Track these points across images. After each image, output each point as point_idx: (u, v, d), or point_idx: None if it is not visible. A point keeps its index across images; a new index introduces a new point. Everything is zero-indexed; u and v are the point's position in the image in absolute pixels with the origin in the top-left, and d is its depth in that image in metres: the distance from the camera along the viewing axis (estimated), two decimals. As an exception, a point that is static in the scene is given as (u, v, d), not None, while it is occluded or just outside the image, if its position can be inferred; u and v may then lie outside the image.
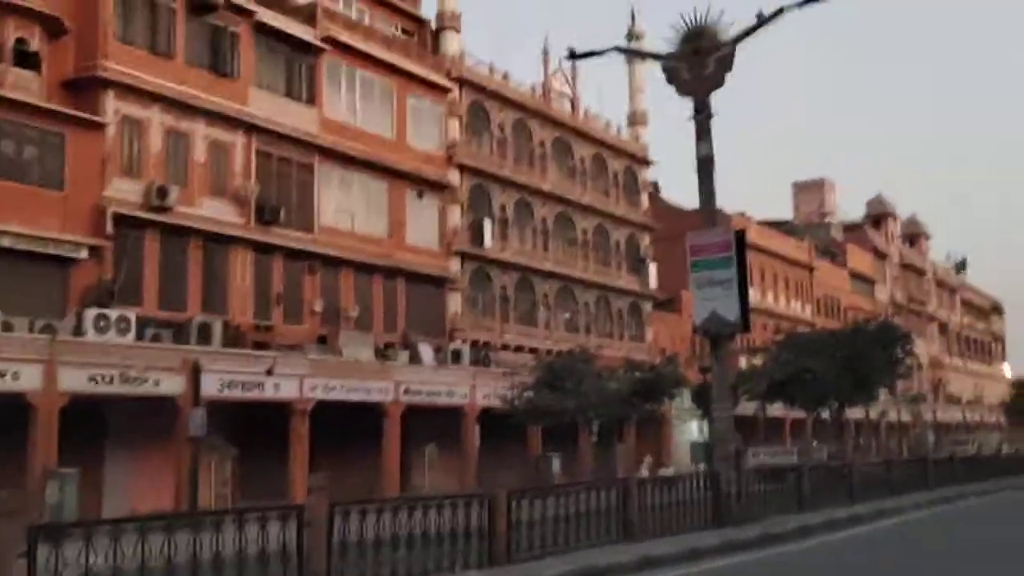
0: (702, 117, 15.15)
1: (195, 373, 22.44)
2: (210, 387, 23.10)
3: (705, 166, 15.00)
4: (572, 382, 27.53)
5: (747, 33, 14.83)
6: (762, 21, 14.61)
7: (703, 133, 15.14)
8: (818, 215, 72.45)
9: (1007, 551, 13.38)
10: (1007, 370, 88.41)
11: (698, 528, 13.99)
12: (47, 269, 23.35)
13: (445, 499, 10.66)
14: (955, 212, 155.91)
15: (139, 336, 22.93)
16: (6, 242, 22.49)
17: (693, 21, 15.05)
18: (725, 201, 61.49)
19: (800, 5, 14.48)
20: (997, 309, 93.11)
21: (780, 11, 14.60)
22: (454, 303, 35.92)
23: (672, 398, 30.57)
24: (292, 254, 29.87)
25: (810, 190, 74.60)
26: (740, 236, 15.18)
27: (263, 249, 28.97)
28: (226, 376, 23.61)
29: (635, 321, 46.14)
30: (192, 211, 26.95)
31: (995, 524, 18.09)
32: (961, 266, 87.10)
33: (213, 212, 27.54)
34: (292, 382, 25.34)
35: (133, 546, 7.86)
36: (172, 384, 22.40)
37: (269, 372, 24.40)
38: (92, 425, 22.65)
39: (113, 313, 22.21)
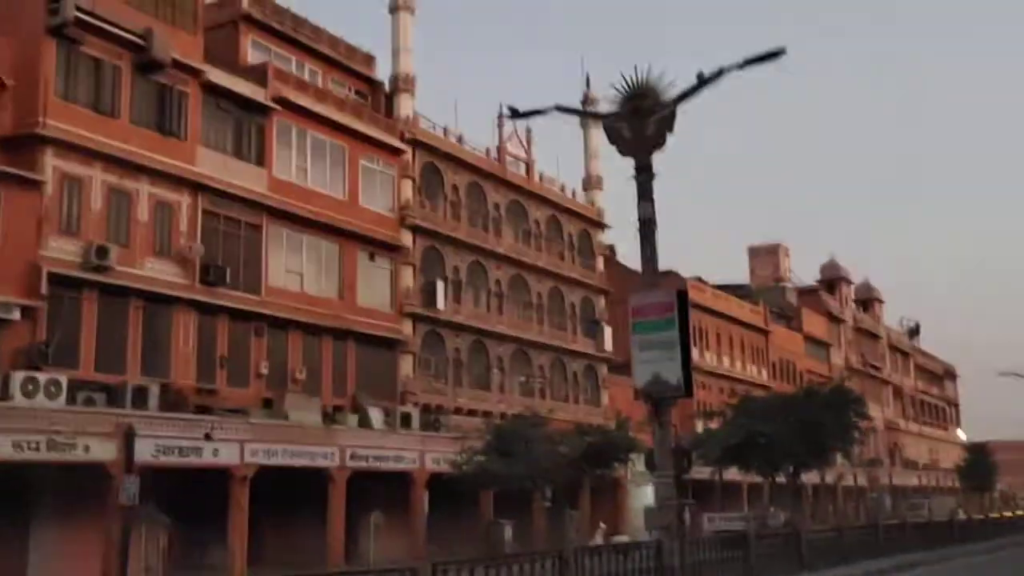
0: (643, 178, 14.94)
1: (128, 438, 21.66)
2: (145, 453, 22.30)
3: (647, 227, 14.76)
4: (521, 447, 26.99)
5: (688, 93, 14.69)
6: (703, 82, 14.50)
7: (645, 194, 14.92)
8: (773, 279, 72.88)
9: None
10: (961, 434, 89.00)
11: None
12: (-24, 331, 22.57)
13: (370, 573, 10.13)
14: (907, 278, 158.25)
15: (71, 400, 22.14)
16: (-68, 302, 21.74)
17: (635, 81, 14.92)
18: (680, 266, 61.98)
19: (740, 67, 14.43)
20: (950, 374, 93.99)
21: (720, 72, 14.49)
22: (406, 366, 35.38)
23: (623, 462, 30.10)
24: (238, 315, 29.26)
25: (765, 255, 75.10)
26: (683, 297, 14.88)
27: (207, 310, 28.35)
28: (162, 441, 22.82)
29: (591, 384, 45.76)
30: (133, 271, 26.32)
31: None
32: (914, 331, 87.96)
33: (156, 272, 26.93)
34: (232, 447, 24.57)
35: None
36: (103, 450, 21.57)
37: (208, 437, 23.64)
38: (17, 495, 21.72)
39: (42, 376, 21.45)
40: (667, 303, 14.61)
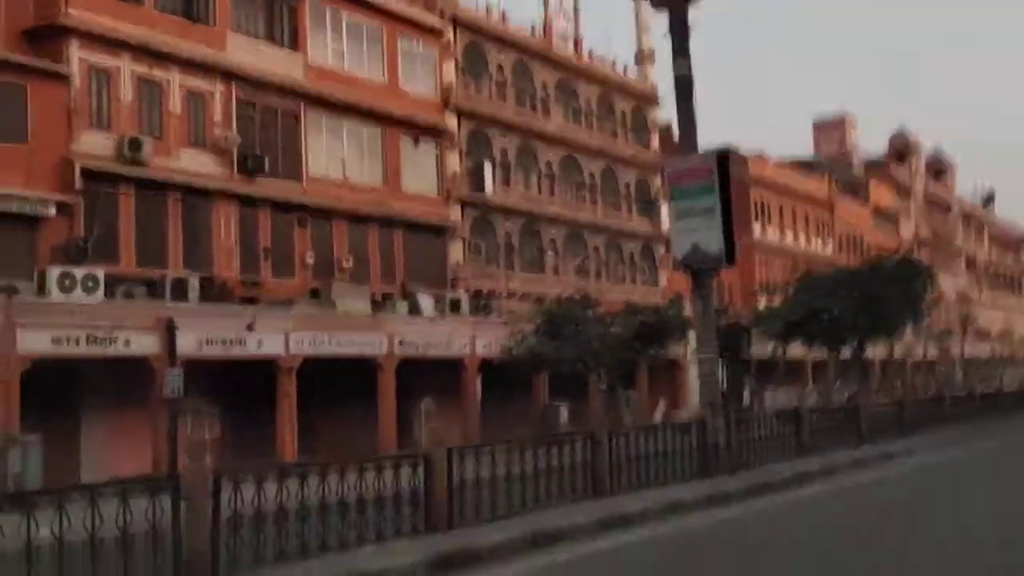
0: (678, 33, 13.79)
1: (169, 331, 21.45)
2: (187, 345, 22.13)
3: (683, 86, 13.66)
4: (572, 329, 26.33)
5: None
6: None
7: (680, 50, 13.78)
8: (839, 152, 70.35)
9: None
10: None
11: (682, 480, 12.85)
12: (13, 228, 22.34)
13: (384, 459, 9.61)
14: (981, 145, 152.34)
15: (110, 295, 21.93)
16: (-34, 201, 21.49)
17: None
18: (742, 142, 59.91)
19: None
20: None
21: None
22: (456, 252, 34.77)
23: (678, 341, 29.37)
24: (279, 206, 28.75)
25: (831, 127, 72.32)
26: (723, 161, 13.84)
27: (248, 202, 27.87)
28: (204, 334, 22.59)
29: (648, 265, 44.82)
30: (169, 164, 25.86)
31: (1011, 474, 16.88)
32: (988, 199, 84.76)
33: (192, 164, 26.44)
34: (276, 338, 24.31)
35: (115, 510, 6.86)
36: (145, 343, 21.43)
37: (250, 328, 23.36)
38: (66, 389, 21.79)
39: (79, 271, 21.20)
40: (706, 168, 13.62)
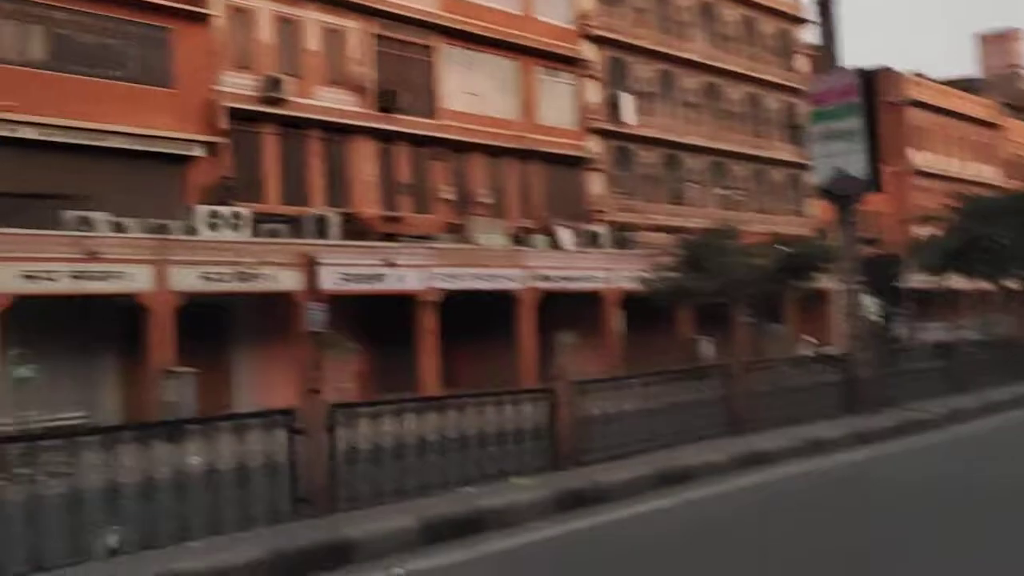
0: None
1: (311, 267, 21.87)
2: (329, 281, 22.54)
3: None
4: (713, 261, 25.58)
5: None
6: None
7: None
8: (1007, 69, 65.83)
9: None
10: None
11: (824, 417, 12.27)
12: (162, 169, 23.12)
13: (510, 394, 9.44)
14: None
15: (255, 232, 22.50)
16: (117, 143, 22.29)
17: None
18: (901, 62, 56.69)
19: None
20: None
21: None
22: (595, 184, 34.27)
23: (824, 272, 28.17)
24: (417, 141, 28.86)
25: (996, 43, 67.71)
26: (868, 79, 12.91)
27: (386, 137, 28.08)
28: (345, 269, 22.95)
29: (795, 194, 43.17)
30: (308, 102, 26.21)
31: None
32: None
33: (331, 102, 26.74)
34: (415, 273, 24.51)
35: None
36: (289, 279, 21.94)
37: (389, 263, 23.60)
38: (217, 325, 22.58)
39: (225, 210, 21.80)
40: (848, 85, 12.74)
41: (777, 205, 42.09)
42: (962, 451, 11.23)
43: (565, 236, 31.27)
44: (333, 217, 24.16)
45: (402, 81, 28.56)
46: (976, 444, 11.71)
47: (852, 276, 13.21)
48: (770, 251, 26.04)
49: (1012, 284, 38.80)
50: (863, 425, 11.84)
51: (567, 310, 29.28)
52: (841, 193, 12.82)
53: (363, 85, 27.48)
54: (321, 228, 23.68)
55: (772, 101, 42.35)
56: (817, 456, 10.53)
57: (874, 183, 12.68)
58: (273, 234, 22.92)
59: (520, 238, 30.13)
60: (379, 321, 25.58)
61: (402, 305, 24.98)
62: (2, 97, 20.30)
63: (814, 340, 34.20)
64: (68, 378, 20.03)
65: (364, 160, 27.63)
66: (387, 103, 27.90)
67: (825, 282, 32.67)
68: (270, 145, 25.47)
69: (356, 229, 26.17)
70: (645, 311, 29.52)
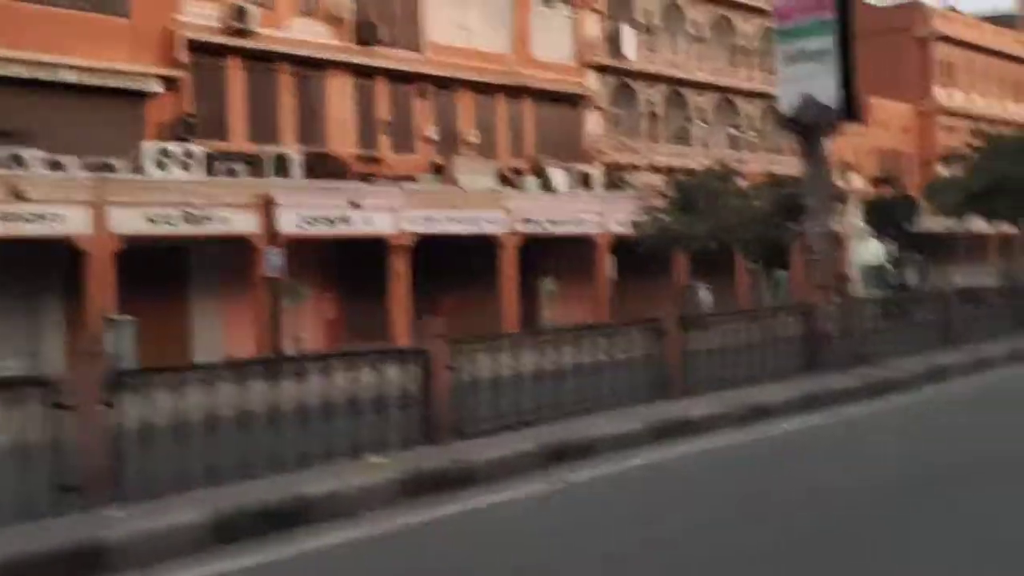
0: None
1: (268, 208, 20.55)
2: (290, 224, 21.21)
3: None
4: (706, 202, 23.93)
5: None
6: None
7: None
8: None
9: None
10: None
11: (779, 378, 10.82)
12: (117, 105, 21.76)
13: (366, 355, 8.12)
14: None
15: (210, 171, 21.16)
16: (69, 76, 20.93)
17: None
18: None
19: None
20: None
21: None
22: (593, 123, 32.57)
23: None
24: (399, 77, 27.28)
25: (1036, -26, 64.41)
26: (843, -11, 11.25)
27: (364, 72, 26.52)
28: (307, 211, 21.59)
29: (811, 134, 41.13)
30: (279, 34, 24.69)
31: None
32: None
33: (304, 34, 25.20)
34: (386, 215, 23.10)
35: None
36: (244, 222, 20.61)
37: (355, 205, 22.20)
38: (175, 271, 21.40)
39: (176, 147, 20.45)
40: (818, -1, 11.04)
41: (790, 144, 40.02)
42: (924, 420, 9.75)
43: (558, 177, 29.73)
44: (295, 156, 22.74)
45: (384, 12, 26.93)
46: (943, 410, 10.22)
47: (819, 219, 11.68)
48: (767, 192, 24.31)
49: (1037, 229, 36.81)
50: (819, 387, 10.39)
51: (555, 256, 27.88)
52: (810, 122, 11.23)
53: (340, 16, 25.88)
54: (282, 167, 22.27)
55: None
56: (758, 423, 9.15)
57: (847, 111, 11.05)
58: (231, 174, 21.57)
59: (509, 180, 28.65)
60: (350, 267, 24.31)
61: (374, 250, 23.65)
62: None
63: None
64: (8, 326, 18.98)
65: (340, 97, 26.14)
66: (366, 35, 26.32)
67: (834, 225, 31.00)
68: (236, 81, 24.02)
69: (330, 169, 24.77)
70: (641, 257, 28.00)
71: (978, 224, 37.64)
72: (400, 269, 23.47)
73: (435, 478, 6.84)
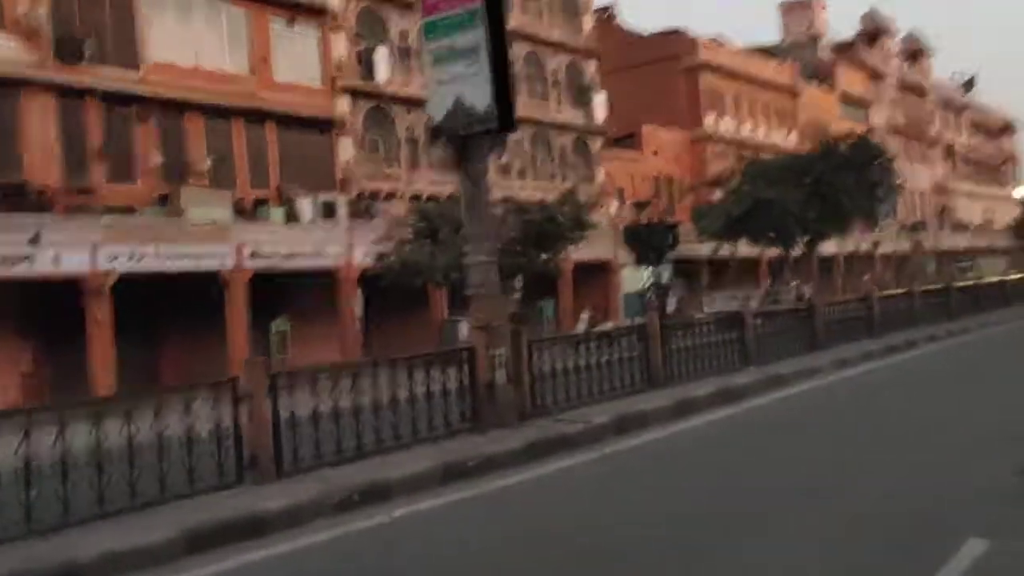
0: None
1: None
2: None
3: None
4: (449, 231, 22.27)
5: None
6: None
7: None
8: (807, 37, 65.34)
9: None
10: (1021, 191, 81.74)
11: (432, 440, 8.97)
12: None
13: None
14: (963, 26, 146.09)
15: None
16: None
17: None
18: (702, 26, 54.92)
19: None
20: (1009, 128, 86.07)
21: None
22: (346, 150, 30.58)
23: (573, 243, 25.42)
24: (114, 98, 24.50)
25: (798, 10, 67.17)
26: (494, -16, 9.70)
27: (70, 93, 23.62)
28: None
29: (582, 161, 40.57)
30: (-43, 49, 21.59)
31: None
32: (969, 85, 79.87)
33: (-9, 49, 22.16)
34: (80, 252, 20.27)
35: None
36: None
37: (34, 241, 19.32)
38: None
39: None
40: (463, -12, 9.40)
41: (561, 172, 39.30)
42: (585, 492, 7.94)
43: (306, 207, 27.61)
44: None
45: (90, 26, 24.14)
46: (621, 475, 8.48)
47: (479, 246, 10.03)
48: (511, 220, 22.92)
49: (797, 250, 37.45)
50: (468, 453, 8.47)
51: (294, 293, 25.68)
52: (462, 132, 9.59)
53: (34, 28, 22.94)
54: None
55: (554, 61, 39.57)
56: (366, 508, 7.13)
57: (503, 119, 9.45)
58: None
59: (247, 211, 26.30)
60: (48, 312, 21.35)
61: (74, 292, 20.81)
62: None
63: (592, 317, 31.65)
64: None
65: (40, 120, 23.14)
66: (69, 50, 23.46)
67: (584, 252, 29.98)
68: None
69: (28, 202, 21.80)
70: (400, 291, 26.13)
71: (746, 248, 37.90)
72: (99, 315, 20.62)
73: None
